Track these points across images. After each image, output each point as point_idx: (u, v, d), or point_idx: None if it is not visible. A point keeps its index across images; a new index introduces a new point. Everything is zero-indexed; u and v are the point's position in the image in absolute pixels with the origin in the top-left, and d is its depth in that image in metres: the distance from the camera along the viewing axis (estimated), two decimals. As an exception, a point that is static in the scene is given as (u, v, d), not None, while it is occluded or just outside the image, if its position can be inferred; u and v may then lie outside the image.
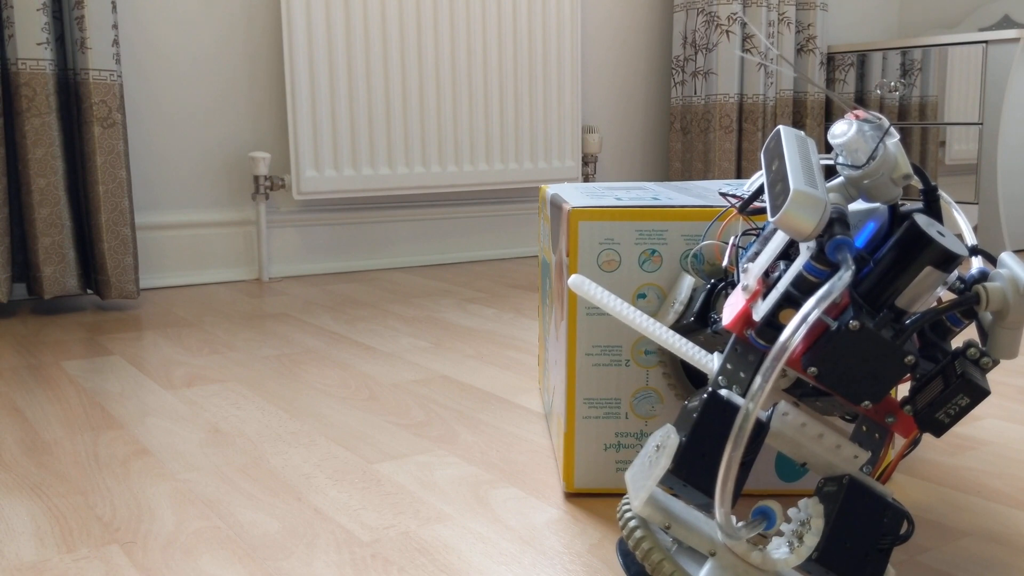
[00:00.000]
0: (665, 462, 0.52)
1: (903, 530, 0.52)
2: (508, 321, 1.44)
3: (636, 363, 0.75)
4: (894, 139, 0.53)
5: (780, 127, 0.56)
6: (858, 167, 0.53)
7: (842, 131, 0.54)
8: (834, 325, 0.50)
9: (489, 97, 1.99)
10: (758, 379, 0.49)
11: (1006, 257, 0.53)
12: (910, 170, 0.53)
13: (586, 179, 2.17)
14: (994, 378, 1.10)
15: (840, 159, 0.54)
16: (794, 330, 0.48)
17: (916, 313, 0.51)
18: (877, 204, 0.54)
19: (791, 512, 0.52)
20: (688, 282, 0.70)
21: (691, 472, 0.52)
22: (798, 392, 0.57)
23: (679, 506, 0.53)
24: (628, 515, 0.54)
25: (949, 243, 0.50)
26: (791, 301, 0.51)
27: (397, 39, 1.87)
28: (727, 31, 2.15)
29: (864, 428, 0.55)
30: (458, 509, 0.74)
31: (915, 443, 0.56)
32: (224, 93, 1.81)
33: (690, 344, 0.57)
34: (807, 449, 0.53)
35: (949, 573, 0.62)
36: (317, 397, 1.05)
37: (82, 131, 1.53)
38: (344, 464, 0.84)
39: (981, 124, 2.08)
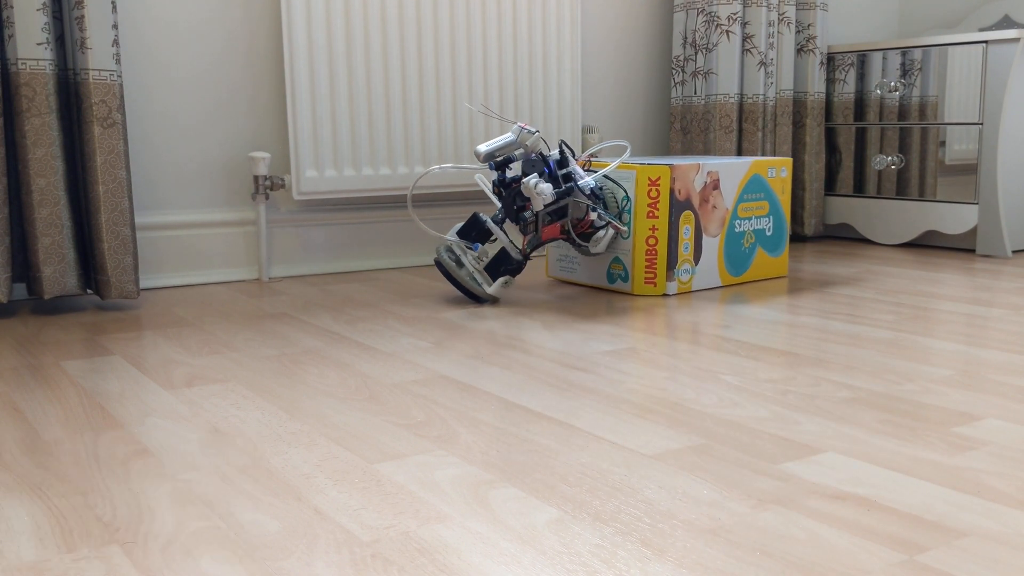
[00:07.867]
0: (454, 232, 1.60)
1: (521, 270, 1.58)
2: (508, 321, 1.44)
3: None
4: (534, 132, 1.54)
5: (515, 125, 1.59)
6: (518, 142, 1.56)
7: (515, 130, 1.55)
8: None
9: (489, 97, 1.99)
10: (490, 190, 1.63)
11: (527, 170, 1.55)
12: (536, 142, 1.55)
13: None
14: (994, 378, 1.10)
15: (517, 141, 1.57)
16: (458, 166, 1.66)
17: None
18: (542, 154, 1.56)
19: (486, 250, 1.57)
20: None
21: (461, 234, 1.58)
22: (548, 220, 1.57)
23: (461, 246, 1.58)
24: (440, 248, 1.55)
25: (535, 168, 1.53)
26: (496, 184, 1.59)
27: (397, 39, 1.87)
28: (727, 31, 2.15)
29: (530, 227, 1.55)
30: (458, 509, 0.74)
31: (544, 241, 1.58)
32: (224, 93, 1.81)
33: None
34: (499, 240, 1.56)
35: (949, 573, 0.62)
36: (317, 397, 1.06)
37: (82, 131, 1.53)
38: (344, 464, 0.84)
39: (981, 124, 2.08)
